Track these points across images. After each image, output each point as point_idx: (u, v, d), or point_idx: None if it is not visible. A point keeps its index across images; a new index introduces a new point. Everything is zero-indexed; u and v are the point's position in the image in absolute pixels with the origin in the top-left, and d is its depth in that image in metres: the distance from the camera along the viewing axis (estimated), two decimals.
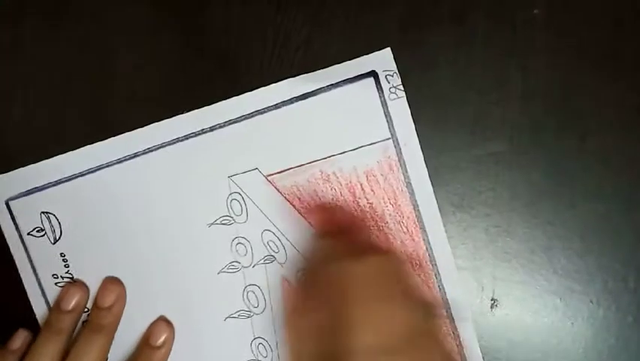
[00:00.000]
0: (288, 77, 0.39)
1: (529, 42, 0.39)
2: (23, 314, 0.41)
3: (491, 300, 0.40)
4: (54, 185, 0.40)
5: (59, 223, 0.40)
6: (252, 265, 0.40)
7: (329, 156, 0.40)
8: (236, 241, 0.40)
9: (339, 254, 0.32)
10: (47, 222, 0.40)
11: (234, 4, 0.40)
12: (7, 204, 0.40)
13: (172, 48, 0.40)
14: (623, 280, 0.39)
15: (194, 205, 0.40)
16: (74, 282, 0.41)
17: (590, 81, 0.38)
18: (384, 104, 0.39)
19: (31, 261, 0.41)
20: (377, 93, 0.39)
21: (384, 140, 0.39)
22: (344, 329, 0.29)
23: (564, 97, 0.39)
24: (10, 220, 0.40)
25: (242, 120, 0.40)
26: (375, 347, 0.28)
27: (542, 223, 0.39)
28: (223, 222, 0.40)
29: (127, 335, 0.41)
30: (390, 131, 0.39)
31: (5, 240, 0.41)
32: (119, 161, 0.40)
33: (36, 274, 0.41)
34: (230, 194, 0.40)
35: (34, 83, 0.41)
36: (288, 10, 0.39)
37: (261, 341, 0.41)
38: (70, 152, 0.40)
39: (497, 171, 0.39)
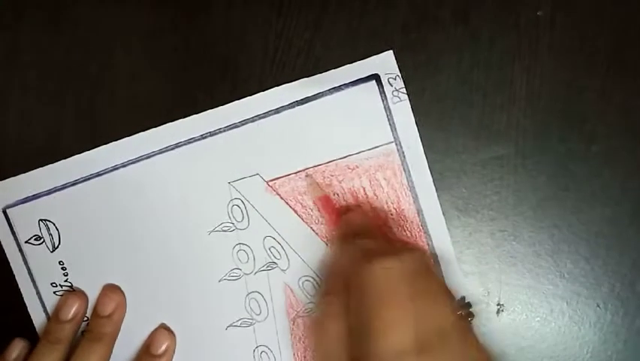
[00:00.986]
0: (290, 81, 0.39)
1: (534, 44, 0.38)
2: (21, 324, 0.40)
3: (497, 305, 0.39)
4: (52, 192, 0.40)
5: (58, 231, 0.40)
6: (254, 272, 0.40)
7: (331, 161, 0.39)
8: (237, 247, 0.40)
9: (369, 254, 0.31)
10: (45, 230, 0.40)
11: (235, 7, 0.39)
12: (4, 212, 0.40)
13: (172, 52, 0.40)
14: (630, 285, 0.39)
15: (194, 212, 0.40)
16: (73, 291, 0.40)
17: (596, 83, 0.38)
18: (386, 107, 0.38)
19: (29, 269, 0.40)
20: (380, 96, 0.38)
21: (387, 143, 0.39)
22: (379, 331, 0.28)
23: (570, 99, 0.38)
24: (8, 228, 0.40)
25: (242, 125, 0.39)
26: (410, 347, 0.27)
27: (548, 227, 0.39)
28: (224, 228, 0.40)
29: (127, 344, 0.40)
30: (393, 135, 0.38)
31: (3, 248, 0.40)
32: (118, 167, 0.40)
33: (34, 283, 0.40)
34: (231, 200, 0.39)
35: (31, 89, 0.40)
36: (290, 12, 0.39)
37: (263, 349, 0.40)
38: (69, 158, 0.40)
39: (502, 174, 0.39)
